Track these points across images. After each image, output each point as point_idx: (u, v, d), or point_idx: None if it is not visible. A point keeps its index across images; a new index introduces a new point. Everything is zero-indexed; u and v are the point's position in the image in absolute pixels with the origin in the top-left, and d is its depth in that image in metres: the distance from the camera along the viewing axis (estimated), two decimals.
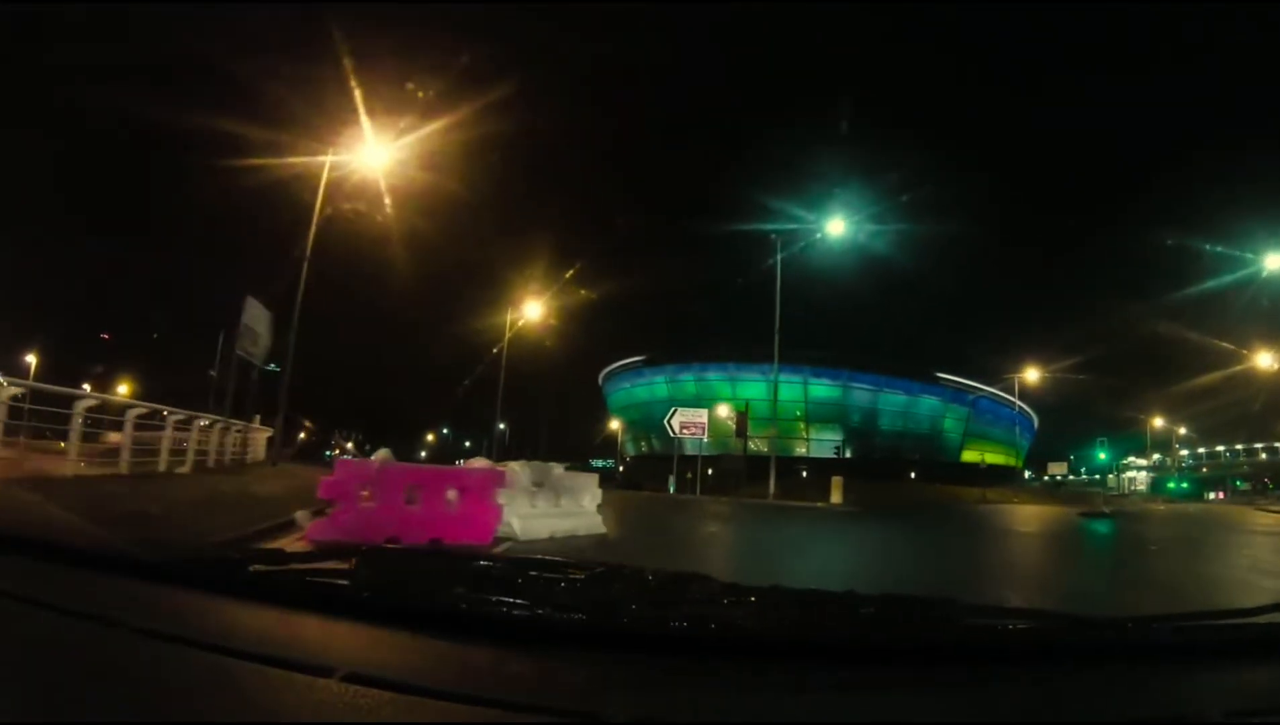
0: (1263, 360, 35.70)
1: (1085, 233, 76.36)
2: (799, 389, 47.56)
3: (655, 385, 52.26)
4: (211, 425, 15.24)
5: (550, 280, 32.87)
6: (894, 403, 52.39)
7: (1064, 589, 7.66)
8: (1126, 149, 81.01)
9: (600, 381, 57.15)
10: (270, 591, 1.38)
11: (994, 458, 54.61)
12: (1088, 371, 45.21)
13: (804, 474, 36.83)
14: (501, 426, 42.20)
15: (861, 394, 51.35)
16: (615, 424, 54.67)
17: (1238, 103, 66.32)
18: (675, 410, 34.93)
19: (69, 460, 10.12)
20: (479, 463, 9.49)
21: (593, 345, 53.11)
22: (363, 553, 1.66)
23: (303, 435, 45.90)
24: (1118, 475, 63.07)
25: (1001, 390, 50.28)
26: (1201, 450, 68.91)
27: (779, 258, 27.86)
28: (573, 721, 0.94)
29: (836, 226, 27.77)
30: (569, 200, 72.36)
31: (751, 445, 35.17)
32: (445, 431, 63.19)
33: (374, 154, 18.37)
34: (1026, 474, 62.52)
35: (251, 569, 1.51)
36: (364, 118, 17.17)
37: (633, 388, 54.70)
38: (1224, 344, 36.58)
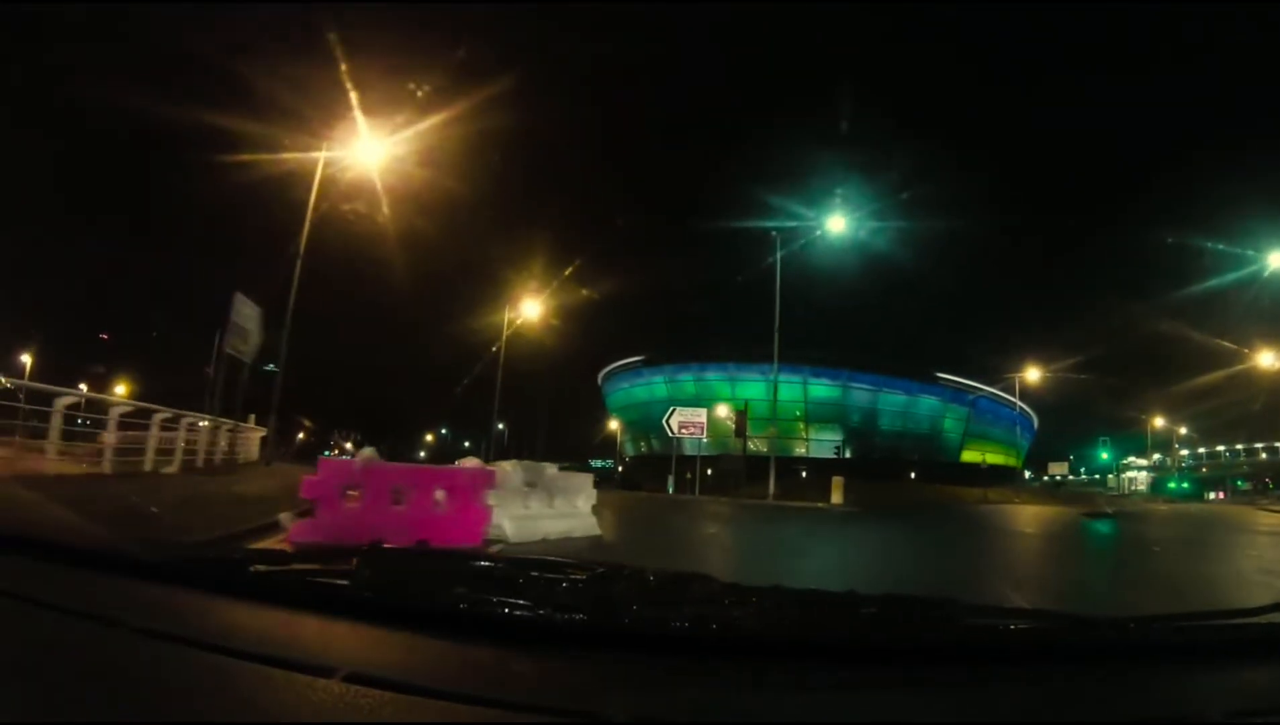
0: (1263, 360, 35.72)
1: (1085, 233, 76.37)
2: (798, 389, 47.55)
3: (654, 385, 52.25)
4: (200, 424, 15.10)
5: (549, 279, 32.92)
6: (894, 403, 52.39)
7: (1071, 591, 7.59)
8: (1126, 149, 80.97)
9: (599, 381, 57.18)
10: (271, 592, 1.38)
11: (994, 458, 54.67)
12: (1088, 371, 45.29)
13: (803, 474, 36.79)
14: (500, 427, 42.26)
15: (861, 394, 51.34)
16: (614, 424, 54.65)
17: (1238, 103, 66.30)
18: (673, 410, 34.91)
19: (48, 458, 9.94)
20: (468, 462, 9.23)
21: (592, 345, 53.16)
22: (363, 553, 1.66)
23: (302, 435, 45.90)
24: (1118, 475, 63.22)
25: (1001, 390, 50.32)
26: (1202, 450, 68.94)
27: (779, 256, 27.89)
28: (574, 721, 0.94)
29: (837, 223, 27.78)
30: (568, 199, 72.13)
31: (751, 445, 35.14)
32: (444, 432, 63.21)
33: (372, 152, 18.35)
34: (1026, 474, 62.57)
35: (252, 569, 1.51)
36: (360, 115, 17.11)
37: (631, 388, 54.69)
38: (1224, 344, 36.64)
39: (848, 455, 48.62)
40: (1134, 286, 71.71)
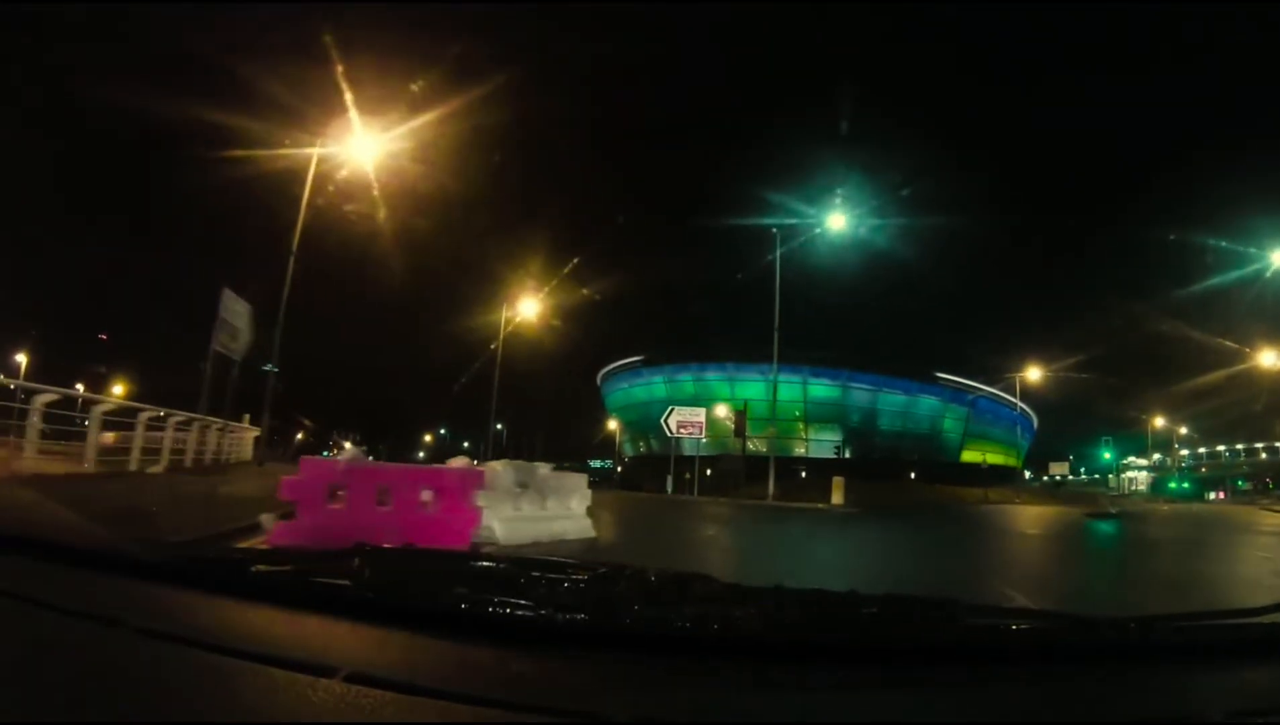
0: (1263, 360, 35.71)
1: (1085, 233, 76.32)
2: (798, 389, 47.55)
3: (653, 385, 52.25)
4: (189, 423, 14.96)
5: (548, 278, 32.89)
6: (893, 403, 52.41)
7: (1078, 593, 7.53)
8: (1126, 149, 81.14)
9: (598, 381, 57.19)
10: (271, 592, 1.38)
11: (994, 458, 54.70)
12: (1088, 371, 45.26)
13: (803, 474, 36.79)
14: (499, 427, 42.24)
15: (861, 394, 51.35)
16: (613, 425, 54.65)
17: (1238, 103, 66.40)
18: (672, 409, 34.91)
19: (26, 457, 9.76)
20: (458, 462, 8.94)
21: (591, 345, 53.12)
22: (364, 553, 1.66)
23: (301, 435, 45.87)
24: (1118, 475, 63.18)
25: (1001, 390, 50.37)
26: (1202, 450, 69.03)
27: (778, 253, 27.89)
28: (574, 721, 0.94)
29: (837, 221, 27.77)
30: (567, 198, 72.17)
31: (750, 445, 35.11)
32: (444, 432, 63.26)
33: (372, 151, 18.34)
34: (1026, 474, 62.58)
35: (253, 569, 1.51)
36: (360, 114, 17.18)
37: (631, 388, 54.69)
38: (1225, 343, 36.63)
39: (847, 455, 48.61)
40: (1134, 286, 71.80)
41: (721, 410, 39.07)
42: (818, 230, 28.01)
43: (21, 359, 37.33)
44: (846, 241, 29.74)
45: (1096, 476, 65.92)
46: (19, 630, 1.17)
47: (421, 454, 54.83)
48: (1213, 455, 69.21)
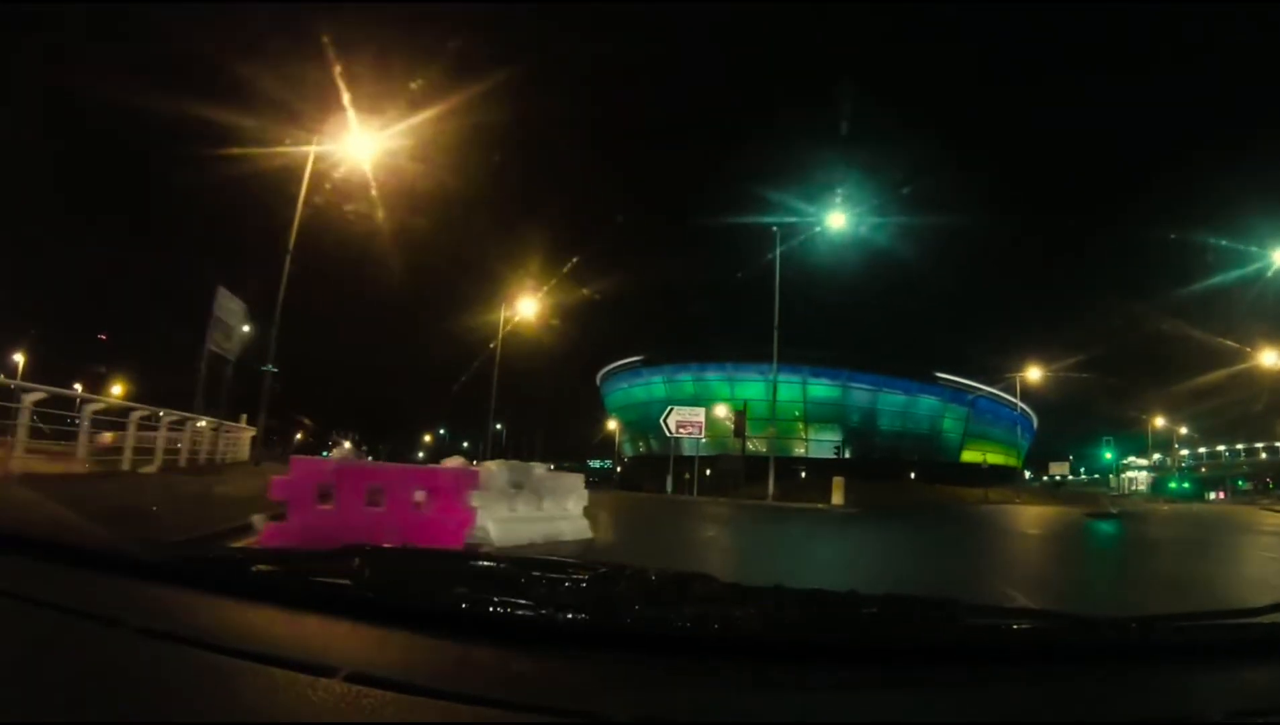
0: (1264, 360, 35.73)
1: (1085, 233, 76.42)
2: (798, 389, 47.56)
3: (653, 385, 52.26)
4: (183, 423, 14.88)
5: (548, 278, 32.86)
6: (893, 403, 52.42)
7: (1079, 593, 7.51)
8: (1126, 149, 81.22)
9: (598, 381, 57.20)
10: (272, 591, 1.38)
11: (994, 458, 54.68)
12: (1088, 371, 45.31)
13: (803, 474, 36.79)
14: (498, 427, 42.23)
15: (861, 394, 51.36)
16: (613, 425, 54.67)
17: (1238, 103, 66.38)
18: (671, 409, 34.94)
19: (15, 457, 9.70)
20: (452, 462, 8.84)
21: (590, 345, 53.14)
22: (364, 553, 1.66)
23: (300, 435, 45.89)
24: (1118, 475, 63.20)
25: (1001, 390, 50.39)
26: (1202, 450, 69.04)
27: (778, 252, 27.89)
28: (575, 721, 0.94)
29: (837, 220, 27.80)
30: (567, 197, 72.23)
31: (750, 445, 35.11)
32: (443, 432, 63.27)
33: (371, 150, 18.31)
34: (1026, 474, 62.62)
35: (253, 569, 1.52)
36: (359, 113, 17.24)
37: (630, 388, 54.68)
38: (1225, 343, 36.66)
39: (847, 455, 48.62)
40: (1134, 286, 71.86)
41: (721, 410, 39.08)
42: (817, 229, 28.10)
43: (19, 359, 37.29)
44: (846, 241, 29.86)
45: (1096, 476, 65.94)
46: (19, 630, 1.17)
47: (421, 454, 54.79)
48: (1213, 455, 69.22)
